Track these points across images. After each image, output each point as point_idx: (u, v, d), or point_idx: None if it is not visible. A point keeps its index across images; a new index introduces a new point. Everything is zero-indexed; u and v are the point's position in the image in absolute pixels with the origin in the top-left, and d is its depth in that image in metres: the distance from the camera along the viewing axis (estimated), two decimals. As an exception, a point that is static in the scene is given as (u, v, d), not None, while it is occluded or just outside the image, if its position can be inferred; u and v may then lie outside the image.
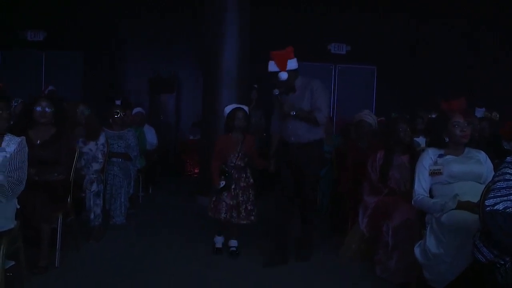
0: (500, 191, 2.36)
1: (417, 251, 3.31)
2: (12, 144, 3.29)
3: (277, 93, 4.30)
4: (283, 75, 4.21)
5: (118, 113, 5.93)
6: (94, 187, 4.64)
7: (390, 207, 4.01)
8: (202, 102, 7.42)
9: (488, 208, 2.35)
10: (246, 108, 4.75)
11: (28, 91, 7.95)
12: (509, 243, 2.30)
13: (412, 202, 3.46)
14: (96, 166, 4.79)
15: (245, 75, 6.97)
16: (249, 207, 4.50)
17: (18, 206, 3.27)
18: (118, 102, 9.17)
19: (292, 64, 4.27)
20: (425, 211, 3.40)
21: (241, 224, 4.49)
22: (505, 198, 2.33)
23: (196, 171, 9.22)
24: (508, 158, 2.46)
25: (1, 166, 3.20)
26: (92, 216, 4.66)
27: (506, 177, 2.38)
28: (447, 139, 3.49)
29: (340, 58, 10.58)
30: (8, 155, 3.24)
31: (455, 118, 3.46)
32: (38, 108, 4.04)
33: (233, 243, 4.60)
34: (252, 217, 4.51)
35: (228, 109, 4.68)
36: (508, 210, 2.31)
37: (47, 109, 4.05)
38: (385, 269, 3.89)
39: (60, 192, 4.01)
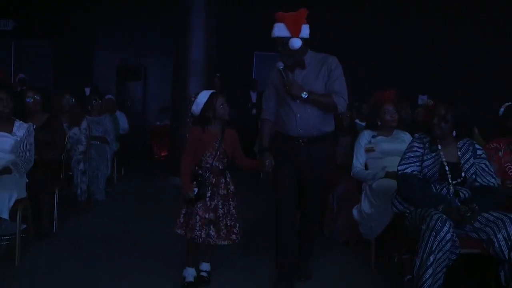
0: (409, 159, 3.22)
1: (355, 212, 4.16)
2: (21, 129, 3.94)
3: (281, 67, 3.31)
4: (296, 43, 3.24)
5: (96, 99, 6.59)
6: (81, 166, 5.30)
7: (334, 180, 4.81)
8: (171, 89, 8.05)
9: (400, 172, 3.20)
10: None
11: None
12: (412, 197, 3.14)
13: (351, 174, 4.28)
14: (81, 148, 5.43)
15: (211, 64, 7.64)
16: (229, 223, 3.49)
17: (27, 180, 3.93)
18: (87, 90, 9.74)
19: (306, 31, 3.30)
20: (361, 180, 4.22)
21: (220, 245, 3.53)
22: (413, 164, 3.19)
23: (163, 154, 9.88)
24: (416, 135, 3.31)
25: (14, 148, 3.86)
26: (79, 191, 5.32)
27: (414, 149, 3.23)
28: (379, 123, 4.32)
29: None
30: (18, 139, 3.90)
31: (386, 106, 4.29)
32: (29, 100, 4.65)
33: (205, 266, 3.66)
34: (234, 236, 3.49)
35: (203, 96, 3.48)
36: (414, 172, 3.16)
37: (36, 98, 4.67)
38: (331, 230, 4.71)
39: (55, 169, 4.66)
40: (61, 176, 4.81)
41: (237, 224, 3.52)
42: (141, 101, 11.12)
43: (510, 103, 4.07)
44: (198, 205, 3.41)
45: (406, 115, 5.44)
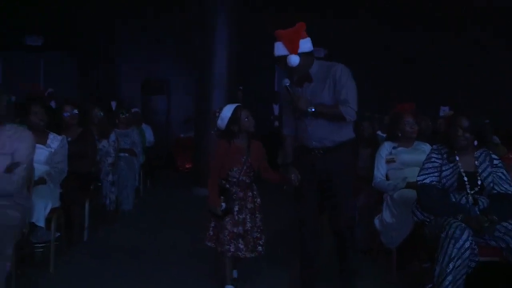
0: (427, 170, 3.31)
1: (376, 222, 4.24)
2: (55, 141, 4.14)
3: (287, 84, 3.36)
4: (294, 60, 3.25)
5: (123, 113, 6.82)
6: (110, 177, 5.49)
7: (355, 190, 4.88)
8: (195, 102, 8.25)
9: (419, 182, 3.29)
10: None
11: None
12: (432, 207, 3.24)
13: (372, 184, 4.37)
14: (110, 160, 5.61)
15: (234, 78, 7.84)
16: (255, 235, 3.53)
17: (61, 190, 4.12)
18: (113, 103, 9.99)
19: (306, 45, 3.30)
20: (382, 190, 4.31)
21: (247, 258, 3.56)
22: (432, 174, 3.28)
23: (187, 166, 10.07)
24: (434, 146, 3.41)
25: (48, 159, 4.04)
26: (108, 202, 5.50)
27: (432, 160, 3.33)
28: (400, 134, 4.41)
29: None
30: (52, 150, 4.09)
31: (406, 117, 4.38)
32: (66, 114, 4.86)
33: (234, 273, 3.72)
34: (259, 248, 3.53)
35: (228, 110, 3.53)
36: (433, 183, 3.26)
37: (74, 112, 4.88)
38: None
39: (86, 180, 4.84)
40: (91, 187, 4.99)
41: (263, 236, 3.56)
42: (165, 114, 11.38)
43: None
44: (226, 220, 3.43)
45: (427, 126, 5.51)
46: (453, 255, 2.85)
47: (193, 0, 8.26)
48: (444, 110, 9.51)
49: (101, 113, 5.96)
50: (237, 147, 3.52)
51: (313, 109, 3.25)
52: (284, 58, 3.27)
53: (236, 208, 3.47)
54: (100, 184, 5.46)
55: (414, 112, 4.45)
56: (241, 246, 3.45)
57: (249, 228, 3.49)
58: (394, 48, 10.37)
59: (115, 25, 10.76)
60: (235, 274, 3.70)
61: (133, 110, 8.32)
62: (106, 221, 5.47)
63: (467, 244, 2.86)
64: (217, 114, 3.58)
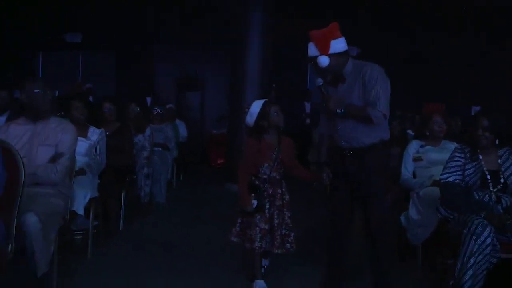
0: (451, 168, 3.39)
1: (402, 219, 4.33)
2: (95, 134, 4.36)
3: (320, 84, 3.38)
4: (324, 61, 3.25)
5: (156, 109, 7.07)
6: (145, 170, 5.70)
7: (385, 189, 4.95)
8: (228, 99, 8.44)
9: (442, 181, 3.37)
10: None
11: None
12: (455, 204, 3.32)
13: (400, 181, 4.45)
14: (145, 154, 5.82)
15: (267, 75, 7.99)
16: (284, 232, 3.53)
17: (99, 181, 4.33)
18: (149, 99, 10.27)
19: (338, 45, 3.29)
20: (409, 188, 4.39)
21: (274, 254, 3.63)
22: (455, 173, 3.36)
23: (219, 161, 10.28)
24: (457, 145, 3.49)
25: (88, 151, 4.26)
26: (142, 194, 5.72)
27: (455, 159, 3.41)
28: (428, 133, 4.48)
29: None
30: (92, 143, 4.31)
31: (435, 117, 4.45)
32: (106, 110, 5.09)
33: (263, 262, 3.73)
34: (288, 245, 3.53)
35: (256, 105, 3.56)
36: (456, 181, 3.34)
37: (112, 108, 5.10)
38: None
39: (122, 174, 5.06)
40: (127, 179, 5.21)
41: (292, 233, 3.54)
42: (199, 110, 11.61)
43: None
44: (257, 217, 3.43)
45: (456, 126, 5.56)
46: (474, 250, 2.93)
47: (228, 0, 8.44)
48: (475, 110, 9.49)
49: (138, 109, 6.17)
50: (267, 143, 3.52)
51: (342, 110, 3.26)
52: (315, 59, 3.27)
53: (267, 206, 3.48)
54: (135, 177, 5.67)
55: (443, 112, 4.51)
56: (268, 242, 3.48)
57: (276, 224, 3.48)
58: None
59: (150, 21, 11.00)
60: (265, 263, 3.72)
61: (167, 106, 8.59)
62: (141, 212, 5.68)
63: (488, 240, 2.93)
64: (246, 110, 3.61)
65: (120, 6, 10.64)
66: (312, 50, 3.30)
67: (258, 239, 3.41)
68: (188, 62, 11.28)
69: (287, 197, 3.60)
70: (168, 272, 3.95)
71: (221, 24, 9.73)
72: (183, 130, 8.58)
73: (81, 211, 3.80)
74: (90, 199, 3.98)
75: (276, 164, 3.53)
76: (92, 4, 10.63)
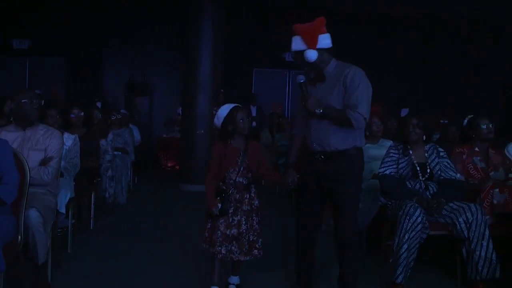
0: (387, 163, 4.07)
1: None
2: (69, 140, 4.72)
3: (301, 81, 3.23)
4: (311, 54, 3.11)
5: (114, 115, 7.43)
6: (110, 173, 6.09)
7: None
8: (176, 104, 8.84)
9: (381, 174, 4.04)
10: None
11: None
12: (392, 193, 4.00)
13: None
14: (108, 157, 6.19)
15: (218, 81, 8.51)
16: (251, 238, 3.46)
17: (74, 183, 4.71)
18: (99, 104, 10.49)
19: (325, 41, 3.17)
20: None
21: (241, 261, 3.51)
22: (390, 167, 4.03)
23: (169, 164, 10.68)
24: (391, 143, 4.16)
25: (64, 155, 4.62)
26: (107, 195, 6.11)
27: (390, 155, 4.09)
28: (368, 133, 5.12)
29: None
30: (67, 147, 4.67)
31: (373, 119, 5.10)
32: (73, 115, 5.45)
33: (234, 279, 3.67)
34: (256, 251, 3.47)
35: (224, 109, 3.50)
36: (391, 173, 4.00)
37: (80, 114, 5.47)
38: (329, 224, 5.48)
39: (91, 175, 5.44)
40: (94, 181, 5.59)
41: (260, 239, 3.49)
42: (148, 115, 11.90)
43: (472, 116, 4.84)
44: (220, 221, 3.39)
45: (392, 126, 6.24)
46: (408, 228, 3.59)
47: (177, 7, 8.86)
48: (405, 112, 10.32)
49: (99, 114, 6.54)
50: (233, 148, 3.47)
51: (321, 111, 3.14)
52: (301, 53, 3.15)
53: (231, 210, 3.42)
54: (100, 179, 6.04)
55: (381, 114, 5.17)
56: (234, 249, 3.39)
57: (244, 230, 3.42)
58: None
59: (100, 27, 11.20)
60: (236, 280, 3.67)
61: (121, 111, 8.91)
62: (106, 212, 6.06)
63: (419, 220, 3.60)
64: (214, 112, 3.75)
65: (68, 12, 10.88)
66: (298, 43, 3.17)
67: (218, 243, 3.38)
68: (137, 67, 11.58)
69: (256, 202, 3.53)
70: (136, 258, 4.42)
71: (170, 28, 10.15)
72: (137, 134, 8.93)
73: (63, 210, 4.19)
74: (69, 199, 4.36)
75: (242, 169, 3.47)
76: (41, 10, 10.79)
